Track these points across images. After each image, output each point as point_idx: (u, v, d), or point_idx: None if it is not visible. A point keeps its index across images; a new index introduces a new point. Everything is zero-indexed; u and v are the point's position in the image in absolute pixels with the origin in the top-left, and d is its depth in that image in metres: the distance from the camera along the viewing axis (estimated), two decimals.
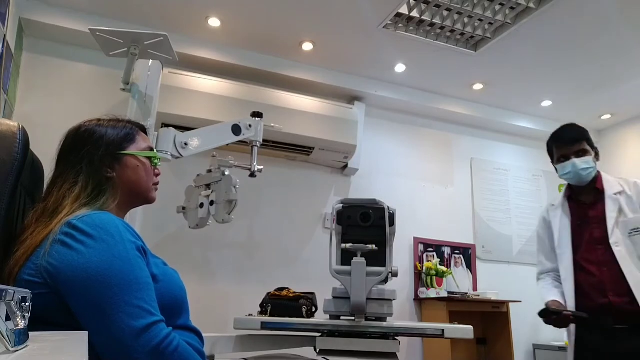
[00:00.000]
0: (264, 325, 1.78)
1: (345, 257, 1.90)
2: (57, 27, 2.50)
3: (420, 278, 3.17)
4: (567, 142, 1.95)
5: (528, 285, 2.98)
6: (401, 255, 3.17)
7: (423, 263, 3.20)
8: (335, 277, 1.79)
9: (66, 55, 2.64)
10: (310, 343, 1.86)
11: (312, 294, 2.03)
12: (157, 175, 1.15)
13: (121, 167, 1.05)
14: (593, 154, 1.94)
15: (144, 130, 1.16)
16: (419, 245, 3.26)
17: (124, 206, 1.08)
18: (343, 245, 1.85)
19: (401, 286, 3.09)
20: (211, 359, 1.70)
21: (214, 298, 2.67)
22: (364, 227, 1.93)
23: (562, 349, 3.07)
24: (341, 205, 1.97)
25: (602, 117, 3.64)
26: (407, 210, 3.23)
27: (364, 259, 1.78)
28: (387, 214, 1.91)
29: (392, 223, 1.93)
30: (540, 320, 1.81)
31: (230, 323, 1.83)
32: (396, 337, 1.84)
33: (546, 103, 3.44)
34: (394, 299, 1.87)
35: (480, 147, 3.66)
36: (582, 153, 1.92)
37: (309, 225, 3.03)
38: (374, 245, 1.81)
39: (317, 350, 1.82)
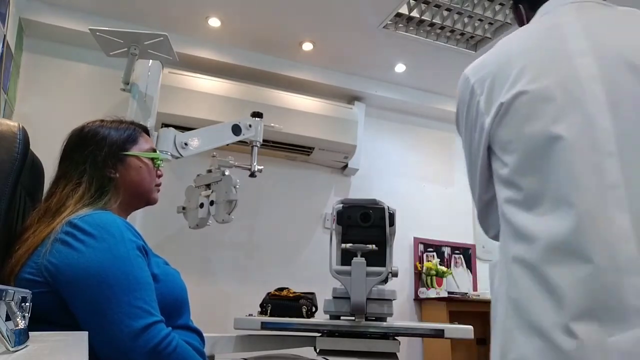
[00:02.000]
0: (264, 325, 1.78)
1: (345, 257, 1.90)
2: (57, 27, 2.50)
3: (420, 278, 3.18)
4: None
5: None
6: (401, 255, 3.17)
7: (423, 263, 3.20)
8: (335, 277, 1.80)
9: (66, 55, 2.64)
10: (310, 343, 1.86)
11: (312, 294, 2.04)
12: (160, 176, 1.15)
13: (124, 168, 1.06)
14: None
15: (146, 131, 1.17)
16: (419, 245, 3.26)
17: (126, 207, 1.08)
18: (343, 245, 1.85)
19: (401, 286, 3.09)
20: (211, 359, 1.70)
21: (214, 298, 2.67)
22: (364, 227, 1.94)
23: None
24: (341, 205, 1.97)
25: None
26: (407, 210, 3.22)
27: (364, 259, 1.79)
28: (387, 214, 1.91)
29: (392, 223, 1.94)
30: None
31: (231, 323, 1.83)
32: (396, 337, 1.84)
33: None
34: (394, 299, 1.87)
35: None
36: None
37: (309, 225, 3.03)
38: (374, 245, 1.81)
39: (317, 350, 1.82)
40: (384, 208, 1.92)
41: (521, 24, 1.06)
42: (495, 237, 0.99)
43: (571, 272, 0.74)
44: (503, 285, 0.84)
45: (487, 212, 0.98)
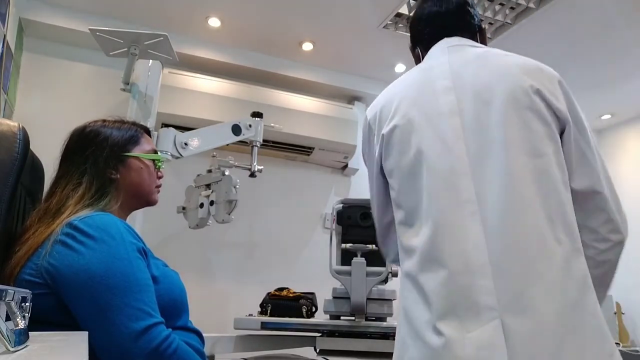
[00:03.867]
0: (264, 325, 1.78)
1: (345, 257, 1.90)
2: (57, 27, 2.50)
3: None
4: None
5: None
6: None
7: None
8: (335, 277, 1.80)
9: (66, 55, 2.64)
10: (310, 343, 1.87)
11: (312, 294, 2.04)
12: (160, 177, 1.15)
13: (125, 169, 1.06)
14: None
15: (148, 132, 1.17)
16: None
17: (126, 208, 1.08)
18: (343, 245, 1.86)
19: None
20: (211, 359, 1.71)
21: (214, 298, 2.67)
22: (364, 227, 1.94)
23: None
24: (341, 205, 1.98)
25: (602, 117, 3.64)
26: None
27: (364, 259, 1.79)
28: None
29: None
30: None
31: (230, 323, 1.83)
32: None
33: None
34: (393, 299, 1.87)
35: None
36: None
37: (309, 225, 3.03)
38: (374, 245, 1.81)
39: (317, 350, 1.82)
40: None
41: (417, 62, 1.20)
42: (395, 261, 1.07)
43: (434, 277, 0.85)
44: (400, 298, 0.95)
45: (386, 235, 1.10)
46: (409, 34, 1.24)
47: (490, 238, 0.83)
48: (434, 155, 0.91)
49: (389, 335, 1.83)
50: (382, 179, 1.05)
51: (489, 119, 0.91)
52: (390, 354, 1.80)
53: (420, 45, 1.18)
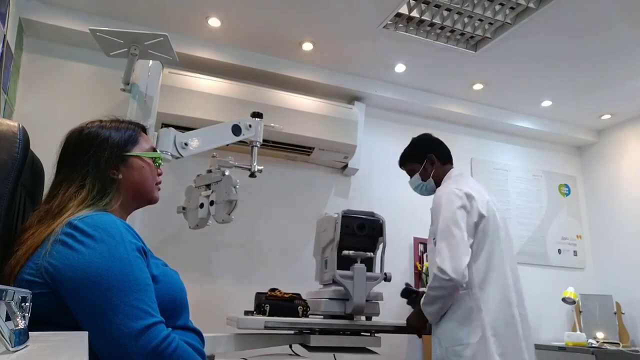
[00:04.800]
0: (267, 326, 1.81)
1: (342, 263, 1.97)
2: (57, 27, 2.50)
3: (420, 278, 3.18)
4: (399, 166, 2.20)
5: (528, 285, 2.98)
6: (401, 255, 3.17)
7: (423, 263, 3.20)
8: (339, 281, 1.87)
9: (66, 55, 2.64)
10: (304, 341, 1.94)
11: (298, 294, 2.08)
12: (160, 174, 1.15)
13: (127, 169, 1.06)
14: (420, 169, 2.06)
15: (144, 130, 1.17)
16: (419, 245, 3.26)
17: (127, 207, 1.08)
18: (345, 252, 1.94)
19: (400, 286, 3.09)
20: (211, 359, 1.71)
21: (214, 298, 2.67)
22: (360, 236, 2.07)
23: (562, 349, 3.07)
24: (341, 215, 2.07)
25: (602, 117, 3.64)
26: (407, 210, 3.23)
27: (364, 264, 1.92)
28: (384, 226, 2.09)
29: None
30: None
31: (230, 323, 1.83)
32: (376, 334, 2.00)
33: (546, 103, 3.44)
34: (381, 300, 2.03)
35: (480, 147, 3.65)
36: (410, 173, 2.13)
37: (309, 225, 3.03)
38: (372, 253, 2.00)
39: (295, 347, 1.95)
40: (378, 220, 2.09)
41: (426, 171, 2.07)
42: (458, 278, 1.74)
43: (501, 290, 1.85)
44: (476, 300, 1.82)
45: (467, 261, 1.76)
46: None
47: (513, 279, 1.86)
48: (500, 232, 1.90)
49: (371, 331, 1.99)
50: (474, 229, 1.84)
51: (503, 222, 1.95)
52: (369, 350, 1.99)
53: (440, 159, 2.06)
